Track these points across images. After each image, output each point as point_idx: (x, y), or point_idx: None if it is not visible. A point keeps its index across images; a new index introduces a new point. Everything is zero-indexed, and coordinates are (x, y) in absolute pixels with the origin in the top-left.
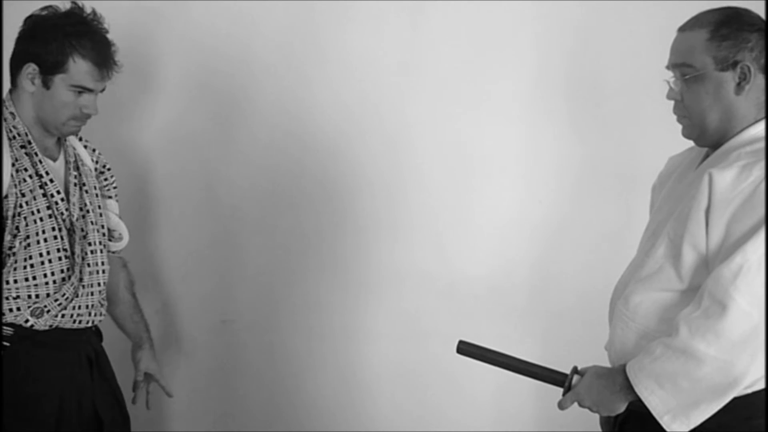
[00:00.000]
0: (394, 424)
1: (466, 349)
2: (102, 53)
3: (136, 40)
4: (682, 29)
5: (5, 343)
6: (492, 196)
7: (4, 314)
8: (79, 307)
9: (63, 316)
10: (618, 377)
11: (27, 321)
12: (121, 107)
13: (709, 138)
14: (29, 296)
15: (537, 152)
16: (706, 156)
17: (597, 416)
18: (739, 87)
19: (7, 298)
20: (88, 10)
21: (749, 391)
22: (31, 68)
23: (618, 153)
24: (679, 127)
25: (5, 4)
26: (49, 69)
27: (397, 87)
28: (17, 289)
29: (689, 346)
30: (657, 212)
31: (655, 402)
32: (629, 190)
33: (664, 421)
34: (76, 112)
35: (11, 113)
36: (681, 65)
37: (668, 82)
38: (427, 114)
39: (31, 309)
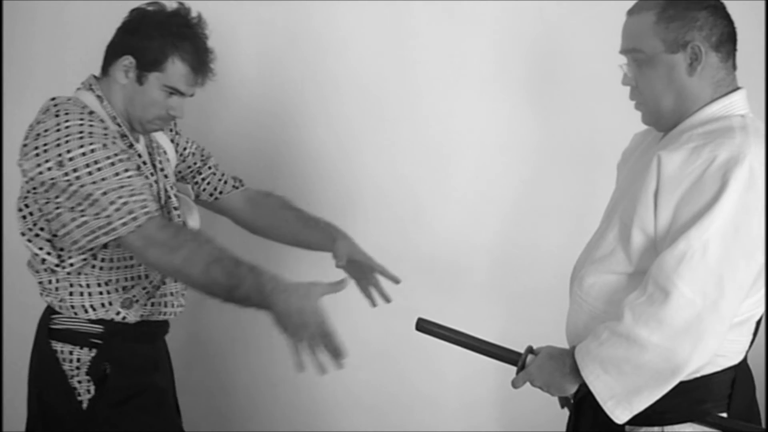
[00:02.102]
0: (366, 398)
1: (424, 326)
2: (201, 59)
3: None
4: (630, 13)
5: (97, 341)
6: (459, 175)
7: (95, 309)
8: (164, 296)
9: (153, 305)
10: (568, 359)
11: (118, 313)
12: None
13: (666, 122)
14: (124, 279)
15: (505, 133)
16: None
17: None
18: (691, 68)
19: (100, 292)
20: (194, 13)
21: (698, 375)
22: (127, 61)
23: (586, 132)
24: None
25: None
26: (146, 65)
27: (369, 69)
28: (110, 269)
29: (632, 332)
30: (616, 191)
31: (599, 387)
32: (598, 169)
33: (607, 407)
34: (162, 113)
35: (98, 96)
36: (632, 50)
37: (622, 68)
38: (393, 95)
39: (121, 300)
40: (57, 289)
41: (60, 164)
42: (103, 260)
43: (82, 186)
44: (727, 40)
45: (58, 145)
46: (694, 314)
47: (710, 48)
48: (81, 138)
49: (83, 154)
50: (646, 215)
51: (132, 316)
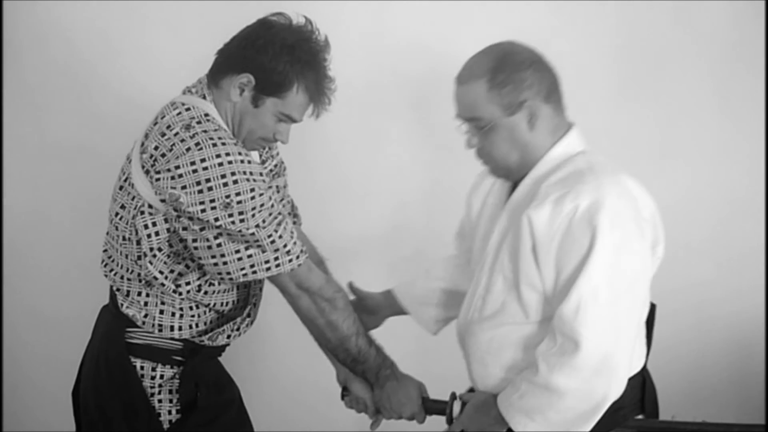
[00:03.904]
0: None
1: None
2: (322, 92)
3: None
4: (461, 82)
5: (178, 357)
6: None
7: (181, 329)
8: (246, 326)
9: (236, 337)
10: (492, 410)
11: (202, 342)
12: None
13: (516, 174)
14: (222, 304)
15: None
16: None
17: None
18: (530, 124)
19: (192, 315)
20: (321, 36)
21: None
22: (246, 79)
23: None
24: None
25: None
26: (267, 89)
27: None
28: (210, 293)
29: (550, 382)
30: (481, 241)
31: None
32: None
33: None
34: (268, 136)
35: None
36: (471, 119)
37: (463, 133)
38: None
39: (209, 335)
40: (146, 303)
41: (226, 206)
42: (211, 284)
43: (246, 228)
44: (554, 89)
45: (226, 185)
46: (604, 354)
47: (542, 102)
48: (248, 180)
49: (252, 198)
50: (531, 272)
51: (214, 345)
